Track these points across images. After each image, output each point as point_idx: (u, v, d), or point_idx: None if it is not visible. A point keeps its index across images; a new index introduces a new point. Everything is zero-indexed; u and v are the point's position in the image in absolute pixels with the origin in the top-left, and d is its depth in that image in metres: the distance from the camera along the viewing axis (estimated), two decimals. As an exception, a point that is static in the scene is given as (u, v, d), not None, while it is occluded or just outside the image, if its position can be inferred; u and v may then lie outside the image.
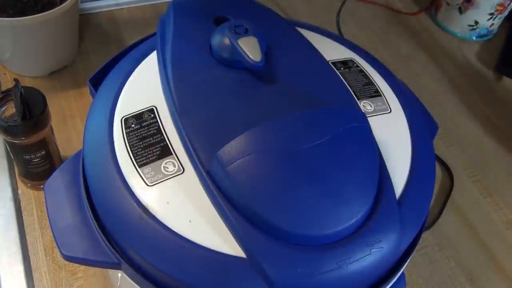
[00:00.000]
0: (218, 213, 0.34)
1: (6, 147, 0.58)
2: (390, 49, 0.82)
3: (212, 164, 0.34)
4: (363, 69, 0.46)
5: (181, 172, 0.36)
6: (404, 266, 0.37)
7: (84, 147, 0.39)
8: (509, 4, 0.80)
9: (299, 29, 0.47)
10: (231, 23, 0.41)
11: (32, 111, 0.49)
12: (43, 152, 0.53)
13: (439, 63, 0.80)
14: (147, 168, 0.36)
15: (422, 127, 0.43)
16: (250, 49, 0.39)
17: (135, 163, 0.36)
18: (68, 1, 0.61)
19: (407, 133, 0.41)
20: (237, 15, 0.45)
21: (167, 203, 0.35)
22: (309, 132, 0.35)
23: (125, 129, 0.38)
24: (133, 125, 0.38)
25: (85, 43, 0.74)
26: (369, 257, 0.33)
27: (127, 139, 0.38)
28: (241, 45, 0.39)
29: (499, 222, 0.62)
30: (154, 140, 0.38)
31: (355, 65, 0.46)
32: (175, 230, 0.33)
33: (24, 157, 0.53)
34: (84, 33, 0.75)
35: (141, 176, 0.36)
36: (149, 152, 0.37)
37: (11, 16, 0.59)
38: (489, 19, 0.82)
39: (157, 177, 0.36)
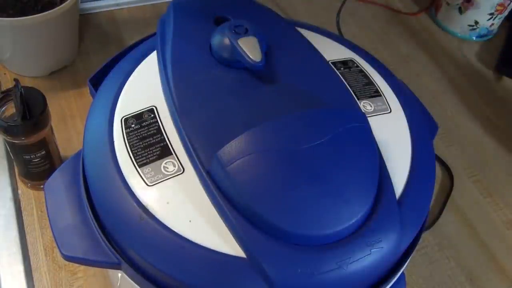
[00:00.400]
0: (218, 213, 0.34)
1: (6, 147, 0.58)
2: (390, 49, 0.82)
3: (212, 164, 0.34)
4: (363, 69, 0.46)
5: (181, 172, 0.36)
6: (404, 266, 0.37)
7: (84, 147, 0.39)
8: (509, 4, 0.80)
9: (299, 29, 0.47)
10: (231, 23, 0.41)
11: (32, 111, 0.49)
12: (43, 152, 0.53)
13: (439, 63, 0.80)
14: (147, 168, 0.36)
15: (422, 127, 0.43)
16: (250, 49, 0.39)
17: (135, 163, 0.36)
18: (68, 1, 0.61)
19: (407, 133, 0.41)
20: (237, 15, 0.45)
21: (167, 203, 0.35)
22: (309, 132, 0.35)
23: (125, 129, 0.38)
24: (133, 125, 0.38)
25: (85, 43, 0.74)
26: (369, 257, 0.33)
27: (127, 139, 0.38)
28: (241, 45, 0.39)
29: (499, 222, 0.62)
30: (154, 140, 0.38)
31: (355, 65, 0.46)
32: (175, 230, 0.33)
33: (24, 157, 0.53)
34: (84, 33, 0.75)
35: (141, 176, 0.36)
36: (149, 152, 0.37)
37: (11, 16, 0.59)
38: (489, 19, 0.82)
39: (157, 177, 0.36)
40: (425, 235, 0.59)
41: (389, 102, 0.43)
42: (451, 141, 0.70)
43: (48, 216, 0.38)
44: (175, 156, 0.37)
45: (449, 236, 0.60)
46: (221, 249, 0.33)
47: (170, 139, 0.38)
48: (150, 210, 0.34)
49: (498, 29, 0.86)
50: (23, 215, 0.56)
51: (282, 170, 0.34)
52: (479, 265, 0.57)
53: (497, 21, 0.83)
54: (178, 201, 0.35)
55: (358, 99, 0.42)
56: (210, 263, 0.32)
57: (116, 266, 0.36)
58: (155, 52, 0.44)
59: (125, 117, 0.39)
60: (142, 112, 0.39)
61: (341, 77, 0.44)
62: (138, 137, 0.38)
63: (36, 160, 0.54)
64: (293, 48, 0.45)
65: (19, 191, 0.58)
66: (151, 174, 0.36)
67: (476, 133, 0.71)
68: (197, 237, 0.33)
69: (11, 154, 0.55)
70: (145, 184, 0.35)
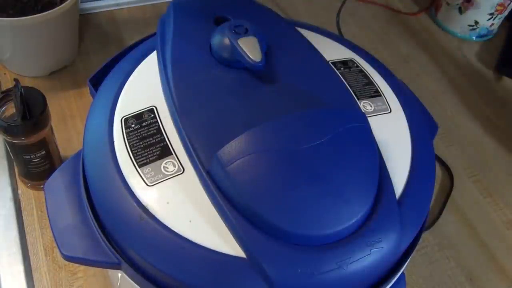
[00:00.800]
0: (218, 213, 0.34)
1: (6, 147, 0.58)
2: (390, 49, 0.82)
3: (212, 164, 0.34)
4: (363, 69, 0.46)
5: (181, 172, 0.36)
6: (404, 266, 0.37)
7: (84, 147, 0.39)
8: (509, 4, 0.80)
9: (299, 29, 0.47)
10: (231, 23, 0.41)
11: (32, 111, 0.49)
12: (43, 152, 0.53)
13: (439, 63, 0.80)
14: (147, 168, 0.36)
15: (422, 127, 0.43)
16: (250, 49, 0.39)
17: (135, 163, 0.36)
18: (68, 1, 0.61)
19: (407, 133, 0.41)
20: (237, 15, 0.45)
21: (167, 203, 0.35)
22: (309, 132, 0.35)
23: (125, 129, 0.38)
24: (133, 125, 0.38)
25: (85, 43, 0.74)
26: (369, 257, 0.33)
27: (127, 139, 0.38)
28: (241, 45, 0.39)
29: (499, 222, 0.62)
30: (154, 140, 0.38)
31: (355, 65, 0.46)
32: (175, 230, 0.33)
33: (24, 157, 0.53)
34: (84, 33, 0.75)
35: (141, 176, 0.36)
36: (149, 152, 0.37)
37: (11, 16, 0.59)
38: (489, 19, 0.82)
39: (157, 177, 0.36)
40: (425, 235, 0.59)
41: (389, 102, 0.43)
42: (451, 141, 0.70)
43: (48, 216, 0.38)
44: (175, 156, 0.37)
45: (449, 236, 0.60)
46: (221, 249, 0.33)
47: (170, 139, 0.38)
48: (150, 210, 0.34)
49: (498, 29, 0.86)
50: (23, 215, 0.56)
51: (282, 170, 0.34)
52: (479, 265, 0.57)
53: (497, 21, 0.83)
54: (178, 201, 0.35)
55: (358, 99, 0.42)
56: (210, 263, 0.32)
57: (116, 266, 0.36)
58: (155, 52, 0.44)
59: (125, 117, 0.39)
60: (142, 112, 0.39)
61: (341, 77, 0.44)
62: (138, 137, 0.38)
63: (36, 160, 0.54)
64: (293, 48, 0.45)
65: (19, 191, 0.58)
66: (151, 174, 0.36)
67: (476, 133, 0.71)
68: (197, 237, 0.33)
69: (11, 154, 0.55)
70: (145, 184, 0.35)
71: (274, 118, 0.36)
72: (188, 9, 0.45)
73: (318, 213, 0.33)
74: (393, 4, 0.90)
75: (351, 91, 0.43)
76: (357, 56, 0.47)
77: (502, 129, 0.72)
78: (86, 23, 0.77)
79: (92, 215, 0.37)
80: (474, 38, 0.85)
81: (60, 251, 0.36)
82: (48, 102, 0.51)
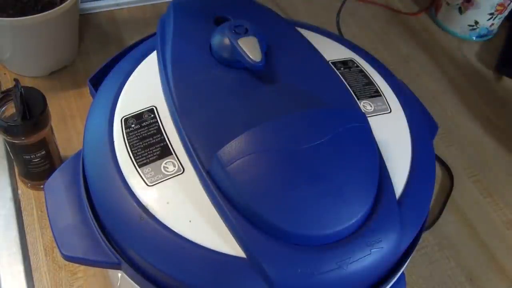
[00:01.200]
0: (218, 213, 0.34)
1: (6, 147, 0.58)
2: (390, 49, 0.82)
3: (212, 164, 0.34)
4: (363, 69, 0.46)
5: (181, 172, 0.36)
6: (404, 266, 0.37)
7: (84, 147, 0.39)
8: (509, 4, 0.80)
9: (299, 29, 0.47)
10: (231, 23, 0.41)
11: (32, 111, 0.49)
12: (43, 152, 0.53)
13: (439, 63, 0.80)
14: (147, 168, 0.36)
15: (422, 127, 0.43)
16: (250, 49, 0.39)
17: (135, 163, 0.36)
18: (68, 1, 0.61)
19: (407, 133, 0.41)
20: (237, 15, 0.45)
21: (167, 203, 0.35)
22: (309, 132, 0.35)
23: (125, 129, 0.38)
24: (133, 125, 0.38)
25: (85, 43, 0.74)
26: (369, 257, 0.33)
27: (127, 139, 0.38)
28: (241, 45, 0.39)
29: (499, 222, 0.62)
30: (154, 140, 0.38)
31: (355, 65, 0.46)
32: (175, 230, 0.33)
33: (24, 157, 0.53)
34: (84, 33, 0.75)
35: (141, 176, 0.36)
36: (149, 152, 0.37)
37: (11, 16, 0.59)
38: (489, 19, 0.82)
39: (157, 177, 0.36)
40: (425, 235, 0.59)
41: (389, 102, 0.43)
42: (451, 141, 0.70)
43: (48, 216, 0.38)
44: (175, 156, 0.37)
45: (449, 236, 0.60)
46: (221, 249, 0.33)
47: (170, 139, 0.38)
48: (150, 210, 0.34)
49: (498, 29, 0.86)
50: (23, 215, 0.56)
51: (282, 170, 0.34)
52: (479, 265, 0.57)
53: (497, 21, 0.83)
54: (178, 201, 0.35)
55: (358, 99, 0.42)
56: (210, 263, 0.32)
57: (116, 266, 0.36)
58: (155, 52, 0.44)
59: (125, 117, 0.39)
60: (142, 112, 0.39)
61: (341, 77, 0.44)
62: (138, 137, 0.38)
63: (36, 160, 0.54)
64: (293, 48, 0.45)
65: (19, 191, 0.58)
66: (151, 174, 0.36)
67: (476, 133, 0.71)
68: (197, 237, 0.33)
69: (11, 154, 0.55)
70: (145, 184, 0.35)
71: (274, 118, 0.36)
72: (188, 9, 0.45)
73: (318, 213, 0.33)
74: (393, 4, 0.90)
75: (351, 91, 0.43)
76: (357, 56, 0.47)
77: (502, 129, 0.72)
78: (86, 23, 0.77)
79: (92, 215, 0.37)
80: (474, 38, 0.85)
81: (60, 251, 0.36)
82: (48, 102, 0.51)
